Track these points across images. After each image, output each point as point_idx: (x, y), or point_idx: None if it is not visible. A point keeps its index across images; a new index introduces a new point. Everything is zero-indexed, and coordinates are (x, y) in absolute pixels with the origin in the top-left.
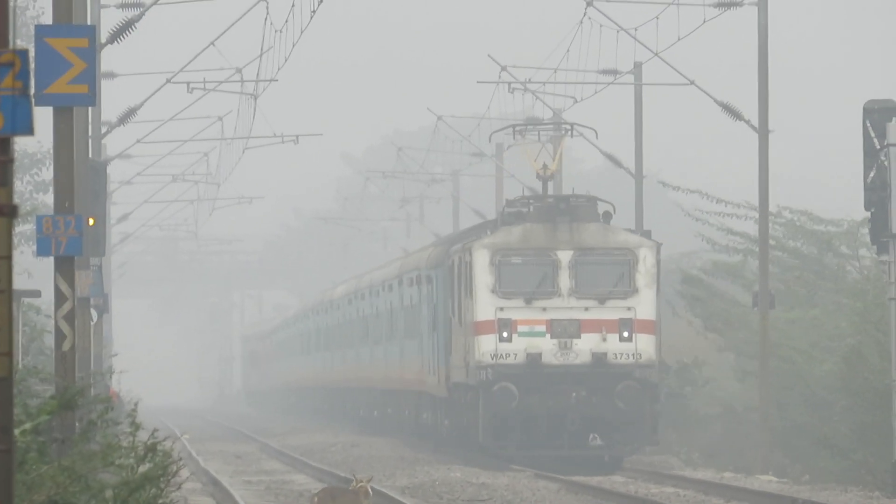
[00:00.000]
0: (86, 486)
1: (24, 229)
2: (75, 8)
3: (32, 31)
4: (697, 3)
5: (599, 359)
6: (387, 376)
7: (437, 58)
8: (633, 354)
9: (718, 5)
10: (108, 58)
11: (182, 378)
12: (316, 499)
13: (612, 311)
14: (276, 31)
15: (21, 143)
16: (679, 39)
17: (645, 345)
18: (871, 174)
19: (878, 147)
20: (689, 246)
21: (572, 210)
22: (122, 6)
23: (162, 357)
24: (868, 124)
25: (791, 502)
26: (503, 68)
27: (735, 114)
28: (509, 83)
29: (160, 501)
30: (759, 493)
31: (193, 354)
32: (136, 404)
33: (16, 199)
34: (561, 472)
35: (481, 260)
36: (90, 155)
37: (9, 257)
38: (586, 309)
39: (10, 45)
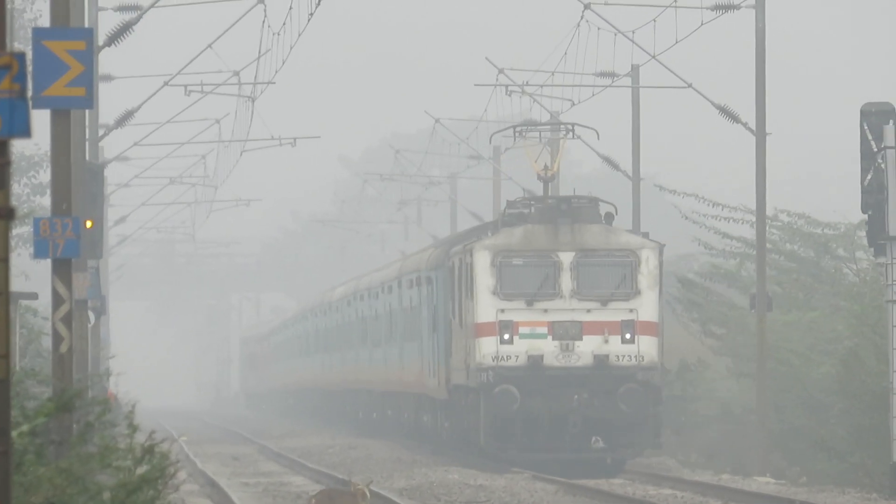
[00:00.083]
0: (83, 487)
1: (21, 232)
2: (73, 11)
3: (30, 34)
4: (695, 5)
5: (601, 361)
6: (386, 378)
7: (435, 61)
8: (636, 356)
9: (716, 8)
10: (106, 60)
11: (179, 380)
12: (314, 500)
13: (615, 313)
14: (273, 34)
15: (18, 146)
16: (676, 42)
17: (647, 347)
18: (868, 177)
19: (875, 149)
20: (686, 249)
21: (574, 211)
22: (120, 9)
23: (159, 359)
24: (865, 127)
25: None
26: (500, 71)
27: (732, 116)
28: (507, 86)
29: (158, 503)
30: (756, 495)
31: (191, 356)
32: (133, 406)
33: (13, 202)
34: (563, 475)
35: (482, 261)
36: (88, 157)
37: (6, 260)
38: (588, 311)
39: (8, 48)
